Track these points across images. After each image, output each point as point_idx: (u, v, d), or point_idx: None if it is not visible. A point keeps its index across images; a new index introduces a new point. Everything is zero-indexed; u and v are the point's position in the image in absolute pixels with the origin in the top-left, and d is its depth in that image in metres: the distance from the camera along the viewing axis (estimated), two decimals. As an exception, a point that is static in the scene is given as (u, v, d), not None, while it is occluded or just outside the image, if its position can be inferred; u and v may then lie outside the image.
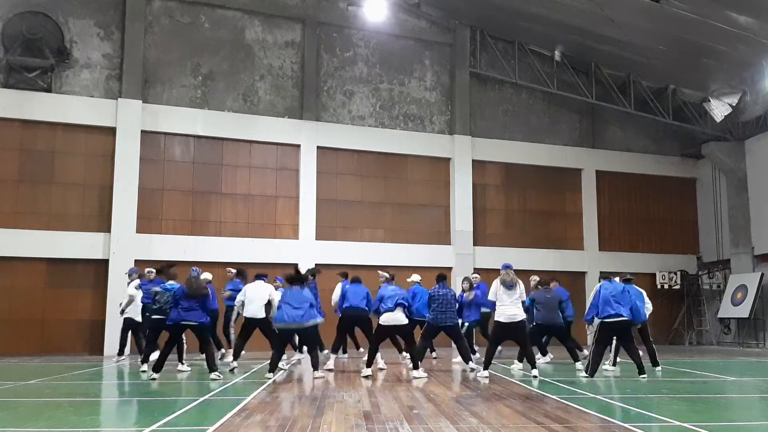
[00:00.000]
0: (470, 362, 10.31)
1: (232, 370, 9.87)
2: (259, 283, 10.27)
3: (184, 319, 9.08)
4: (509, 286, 9.31)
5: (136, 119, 15.23)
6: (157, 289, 10.04)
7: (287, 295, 9.11)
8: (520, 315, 9.30)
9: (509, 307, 9.24)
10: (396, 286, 9.86)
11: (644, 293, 10.40)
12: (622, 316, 9.13)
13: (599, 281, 9.82)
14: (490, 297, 9.60)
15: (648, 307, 10.32)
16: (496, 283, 9.45)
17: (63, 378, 9.37)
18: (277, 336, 9.31)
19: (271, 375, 8.93)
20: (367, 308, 10.08)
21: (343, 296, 10.40)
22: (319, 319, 9.18)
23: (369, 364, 9.31)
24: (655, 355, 10.30)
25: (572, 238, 19.04)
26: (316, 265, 12.61)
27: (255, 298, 10.05)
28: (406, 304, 9.52)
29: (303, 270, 10.30)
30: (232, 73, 16.48)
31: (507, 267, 9.59)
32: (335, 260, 16.07)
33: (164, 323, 9.58)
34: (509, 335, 9.51)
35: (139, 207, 15.02)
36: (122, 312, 11.74)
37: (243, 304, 10.11)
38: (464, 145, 17.99)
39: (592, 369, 9.25)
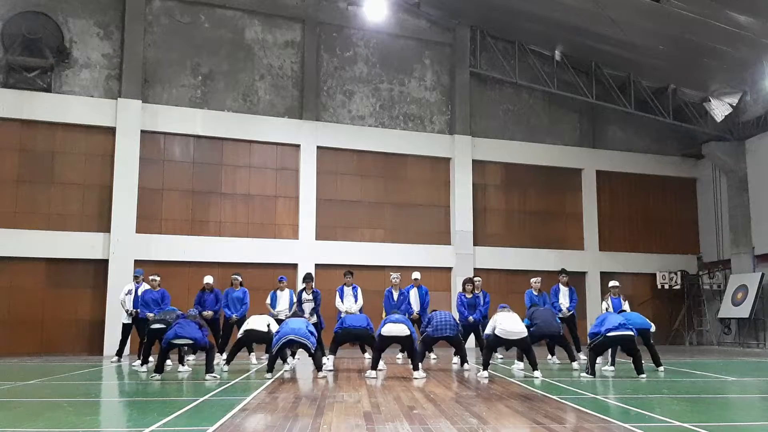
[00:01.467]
0: (467, 363, 10.37)
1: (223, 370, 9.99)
2: (261, 316, 10.50)
3: (179, 336, 9.13)
4: (507, 309, 9.67)
5: (136, 119, 15.23)
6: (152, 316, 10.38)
7: (290, 321, 9.51)
8: (520, 331, 9.27)
9: (509, 323, 9.27)
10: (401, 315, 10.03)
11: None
12: (627, 330, 9.25)
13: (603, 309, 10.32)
14: (487, 331, 9.61)
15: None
16: (492, 320, 9.59)
17: (62, 378, 9.36)
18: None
19: (270, 375, 8.95)
20: (369, 328, 10.05)
21: (341, 322, 10.24)
22: (309, 342, 9.17)
23: (374, 367, 9.39)
24: (657, 356, 10.35)
25: (572, 238, 19.04)
26: (308, 273, 12.78)
27: (255, 321, 10.31)
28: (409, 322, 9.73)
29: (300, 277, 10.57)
30: (232, 72, 16.47)
31: (503, 307, 9.91)
32: (335, 260, 16.10)
33: (162, 332, 9.63)
34: (510, 345, 9.55)
35: (139, 207, 15.02)
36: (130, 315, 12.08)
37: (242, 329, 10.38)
38: (464, 145, 17.99)
39: (591, 369, 9.28)
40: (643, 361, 9.44)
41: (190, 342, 9.24)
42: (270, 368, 9.13)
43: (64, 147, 14.96)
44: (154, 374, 9.07)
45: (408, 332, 9.34)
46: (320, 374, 9.14)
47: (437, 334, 9.92)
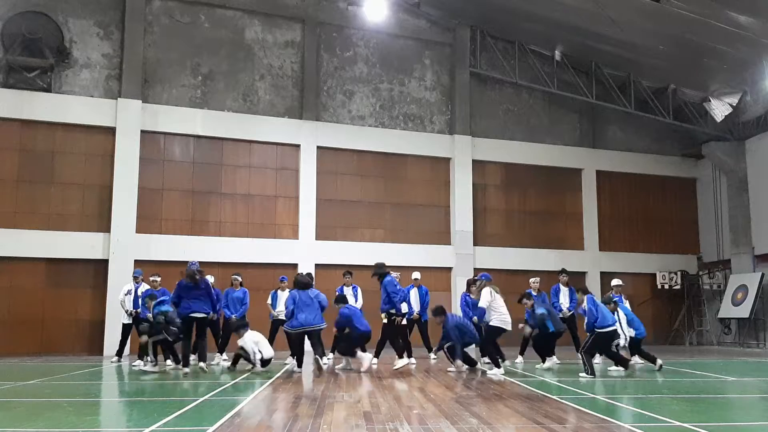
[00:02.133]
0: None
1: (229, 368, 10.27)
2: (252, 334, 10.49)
3: (193, 310, 9.49)
4: (498, 292, 10.15)
5: (136, 119, 15.23)
6: (150, 315, 10.40)
7: (299, 298, 9.66)
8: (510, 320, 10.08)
9: (505, 311, 9.97)
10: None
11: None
12: (613, 327, 9.68)
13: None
14: (482, 304, 9.91)
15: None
16: (486, 292, 10.00)
17: (62, 378, 9.36)
18: (293, 340, 9.87)
19: (300, 369, 9.78)
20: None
21: (348, 319, 10.44)
22: (324, 325, 9.64)
23: (410, 354, 10.24)
24: (650, 355, 10.50)
25: (572, 238, 19.03)
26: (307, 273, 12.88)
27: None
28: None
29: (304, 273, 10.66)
30: (232, 73, 16.47)
31: (488, 278, 10.54)
32: (335, 260, 16.09)
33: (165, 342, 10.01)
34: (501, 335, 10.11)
35: (139, 207, 15.02)
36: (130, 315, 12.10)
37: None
38: (464, 145, 17.98)
39: (591, 369, 9.32)
40: (639, 362, 9.45)
41: (202, 317, 9.60)
42: (298, 365, 9.81)
43: (64, 147, 14.95)
44: (182, 368, 9.47)
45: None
46: (325, 363, 9.55)
47: (505, 325, 10.14)
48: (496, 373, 9.43)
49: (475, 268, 17.18)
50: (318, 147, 16.76)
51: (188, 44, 16.15)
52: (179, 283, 9.70)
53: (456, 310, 13.71)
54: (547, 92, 18.91)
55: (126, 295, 12.06)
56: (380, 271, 10.43)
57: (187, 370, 9.35)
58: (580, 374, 9.54)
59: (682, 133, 19.92)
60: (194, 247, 15.35)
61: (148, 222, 15.18)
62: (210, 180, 15.99)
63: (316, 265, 15.95)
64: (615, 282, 12.30)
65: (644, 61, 18.16)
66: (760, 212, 18.04)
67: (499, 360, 9.79)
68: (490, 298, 9.84)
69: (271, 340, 12.28)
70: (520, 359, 11.87)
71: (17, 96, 14.56)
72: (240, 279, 12.33)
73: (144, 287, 12.03)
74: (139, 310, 11.71)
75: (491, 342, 9.88)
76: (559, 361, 11.59)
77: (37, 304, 14.34)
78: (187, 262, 14.81)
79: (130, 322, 12.06)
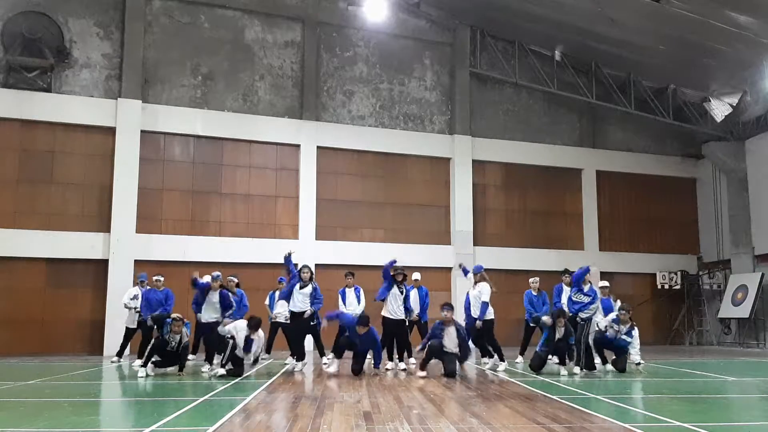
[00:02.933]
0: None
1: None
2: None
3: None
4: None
5: (136, 119, 15.22)
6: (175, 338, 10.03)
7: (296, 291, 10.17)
8: None
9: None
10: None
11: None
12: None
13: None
14: (486, 298, 10.01)
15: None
16: (488, 287, 10.09)
17: (63, 378, 9.36)
18: (292, 334, 10.32)
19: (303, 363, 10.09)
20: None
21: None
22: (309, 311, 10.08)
23: (410, 355, 10.40)
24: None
25: (572, 238, 19.02)
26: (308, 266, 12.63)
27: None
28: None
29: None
30: (232, 73, 16.47)
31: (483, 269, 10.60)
32: (335, 260, 16.08)
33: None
34: None
35: (139, 207, 15.01)
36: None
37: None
38: (464, 145, 17.98)
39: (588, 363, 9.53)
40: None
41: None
42: (299, 358, 10.17)
43: (64, 147, 14.95)
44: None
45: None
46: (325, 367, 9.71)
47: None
48: (502, 366, 9.74)
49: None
50: (318, 147, 16.76)
51: (188, 44, 16.15)
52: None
53: (457, 310, 13.67)
54: (547, 92, 18.91)
55: (132, 299, 11.90)
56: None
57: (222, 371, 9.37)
58: (575, 368, 9.61)
59: (682, 133, 19.91)
60: (194, 247, 15.36)
61: (148, 222, 15.18)
62: (210, 180, 15.99)
63: (317, 265, 15.88)
64: (601, 284, 12.21)
65: (644, 61, 18.16)
66: (760, 212, 18.04)
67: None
68: (489, 292, 9.95)
69: (270, 341, 12.27)
70: (520, 359, 11.87)
71: (17, 96, 14.56)
72: (236, 280, 12.15)
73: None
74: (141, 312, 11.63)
75: (492, 335, 10.04)
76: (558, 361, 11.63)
77: (37, 304, 14.34)
78: (186, 262, 15.04)
79: (136, 326, 11.91)
